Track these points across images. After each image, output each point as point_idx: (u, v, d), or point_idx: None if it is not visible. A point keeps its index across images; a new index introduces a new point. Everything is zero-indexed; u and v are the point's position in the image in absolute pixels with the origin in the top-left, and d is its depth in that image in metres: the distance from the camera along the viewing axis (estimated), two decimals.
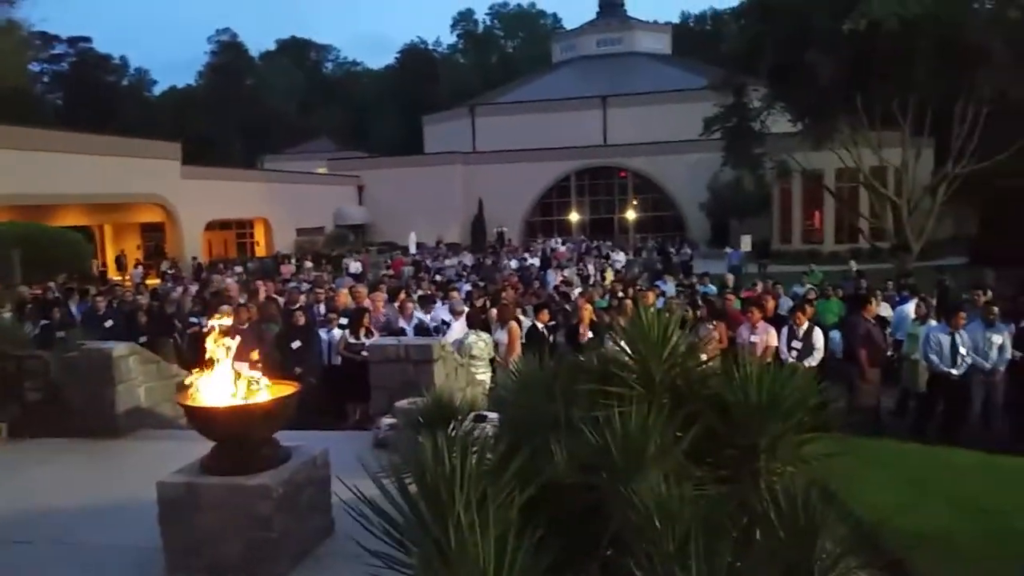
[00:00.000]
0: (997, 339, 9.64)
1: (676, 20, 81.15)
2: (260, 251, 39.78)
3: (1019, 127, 22.80)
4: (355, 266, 27.70)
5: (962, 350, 9.45)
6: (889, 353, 10.48)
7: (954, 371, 9.49)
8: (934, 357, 9.64)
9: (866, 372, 9.91)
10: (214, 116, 70.83)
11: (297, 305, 11.45)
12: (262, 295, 13.16)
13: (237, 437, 3.94)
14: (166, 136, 36.46)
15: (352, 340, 9.43)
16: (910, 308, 11.38)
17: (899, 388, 10.70)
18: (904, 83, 21.70)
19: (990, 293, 11.79)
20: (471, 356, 9.11)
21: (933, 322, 10.20)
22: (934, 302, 11.87)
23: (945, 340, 9.59)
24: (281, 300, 12.84)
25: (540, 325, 10.70)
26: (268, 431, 4.04)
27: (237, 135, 70.64)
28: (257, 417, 3.87)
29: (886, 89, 22.17)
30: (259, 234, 41.57)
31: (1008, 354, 9.63)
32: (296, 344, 9.19)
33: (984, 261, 24.68)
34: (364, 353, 9.08)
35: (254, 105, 72.63)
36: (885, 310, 11.79)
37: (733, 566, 2.04)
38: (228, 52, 79.06)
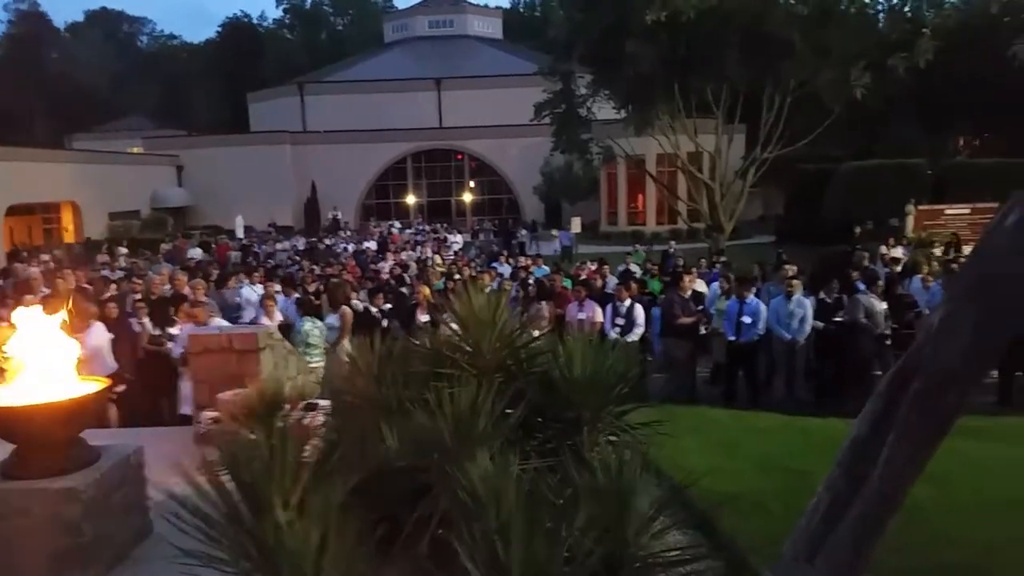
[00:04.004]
0: (798, 311, 10.56)
1: (507, 5, 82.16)
2: (69, 237, 36.73)
3: (819, 115, 24.96)
4: (196, 252, 26.17)
5: (745, 319, 10.29)
6: (703, 330, 11.17)
7: (731, 337, 10.35)
8: (725, 324, 10.52)
9: (678, 344, 10.57)
10: (13, 91, 64.10)
11: (108, 295, 10.69)
12: (69, 285, 12.16)
13: (39, 438, 3.64)
14: None
15: (155, 332, 8.93)
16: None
17: (713, 359, 11.49)
18: (715, 73, 23.12)
19: (795, 268, 12.80)
20: (308, 344, 8.89)
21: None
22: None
23: (733, 310, 10.43)
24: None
25: (375, 309, 10.59)
26: (75, 430, 3.76)
27: (41, 112, 64.52)
28: (61, 416, 3.59)
29: (700, 78, 23.54)
30: (67, 219, 38.34)
31: (808, 325, 10.57)
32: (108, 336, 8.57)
33: (789, 239, 26.94)
34: (170, 345, 8.67)
35: (60, 80, 66.51)
36: (701, 286, 12.58)
37: (553, 536, 2.14)
38: (28, 22, 71.86)
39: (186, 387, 8.03)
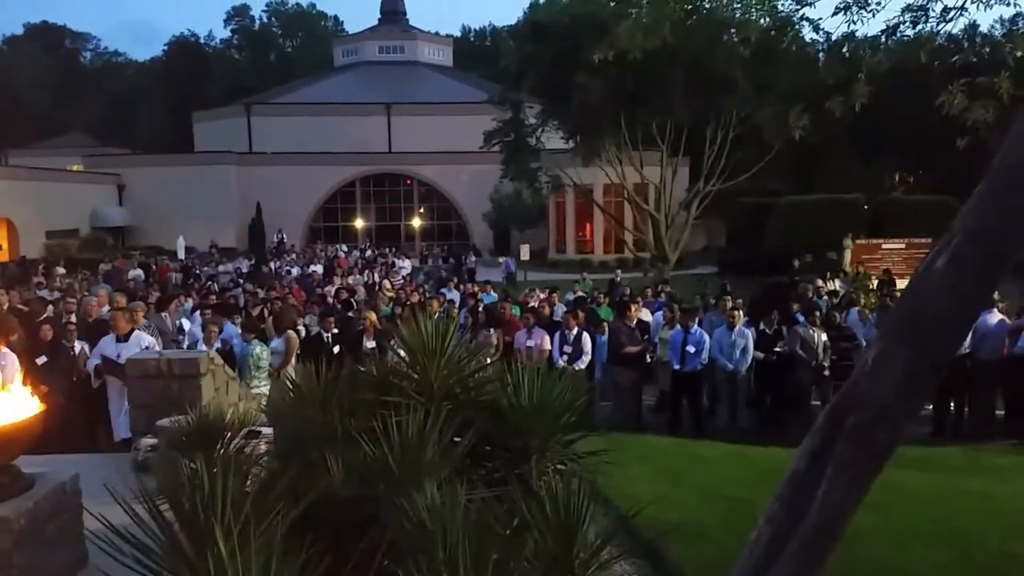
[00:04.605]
0: (740, 341, 10.77)
1: (457, 33, 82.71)
2: (3, 255, 35.57)
3: (760, 150, 25.70)
4: (135, 272, 25.46)
5: (689, 348, 10.46)
6: (648, 359, 11.30)
7: (676, 366, 10.50)
8: (670, 353, 10.68)
9: (625, 373, 10.65)
10: None
11: (43, 316, 10.35)
12: (3, 305, 11.74)
13: None
14: None
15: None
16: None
17: (659, 387, 11.62)
18: (661, 107, 23.68)
19: (739, 300, 13.04)
20: (258, 367, 8.75)
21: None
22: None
23: (677, 339, 10.60)
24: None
25: (326, 334, 10.44)
26: (6, 457, 3.62)
27: None
28: None
29: (646, 112, 24.07)
30: (2, 237, 37.15)
31: (750, 355, 10.78)
32: (41, 360, 8.30)
33: (731, 270, 27.52)
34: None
35: None
36: (647, 315, 12.73)
37: (501, 567, 2.13)
38: None
39: (116, 409, 7.75)
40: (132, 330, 8.19)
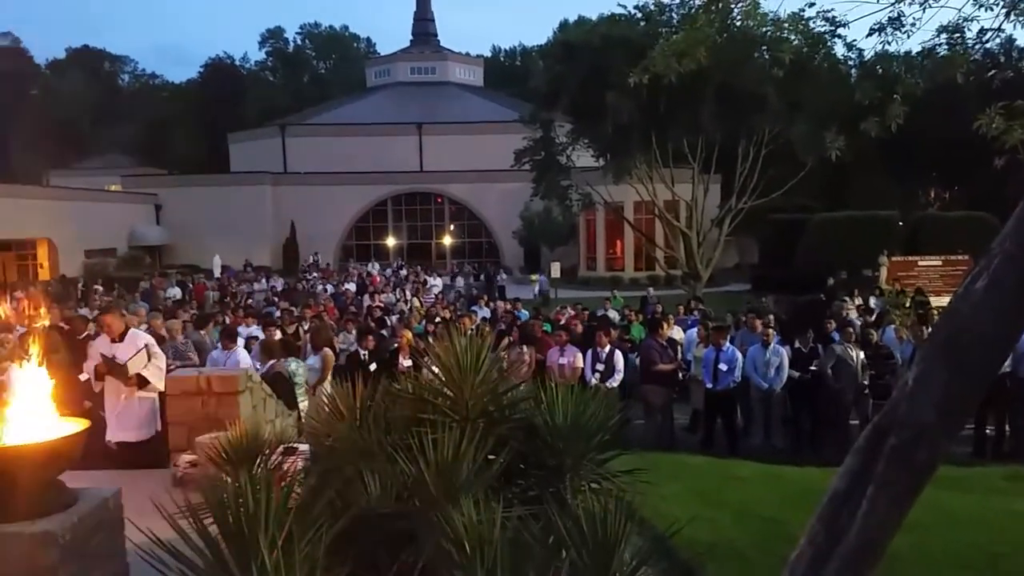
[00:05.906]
0: (775, 360, 10.65)
1: (488, 53, 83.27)
2: (44, 274, 36.39)
3: (792, 167, 25.50)
4: (174, 291, 25.79)
5: (721, 366, 10.37)
6: (680, 375, 11.22)
7: (709, 385, 10.42)
8: (702, 371, 10.60)
9: (657, 391, 10.58)
10: None
11: (84, 334, 10.56)
12: (46, 322, 11.98)
13: (15, 480, 3.57)
14: None
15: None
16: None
17: (692, 406, 11.53)
18: (692, 125, 23.63)
19: (771, 318, 12.91)
20: (295, 383, 8.85)
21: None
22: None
23: (710, 357, 10.51)
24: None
25: (363, 352, 10.52)
26: (53, 472, 3.69)
27: (19, 148, 64.15)
28: (39, 458, 3.53)
29: (677, 130, 24.03)
30: (43, 256, 38.01)
31: (785, 373, 10.65)
32: (84, 377, 8.45)
33: (763, 288, 27.26)
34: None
35: (39, 117, 66.23)
36: (678, 333, 12.65)
37: None
38: (9, 58, 71.72)
39: (112, 408, 7.48)
40: (126, 330, 7.42)
